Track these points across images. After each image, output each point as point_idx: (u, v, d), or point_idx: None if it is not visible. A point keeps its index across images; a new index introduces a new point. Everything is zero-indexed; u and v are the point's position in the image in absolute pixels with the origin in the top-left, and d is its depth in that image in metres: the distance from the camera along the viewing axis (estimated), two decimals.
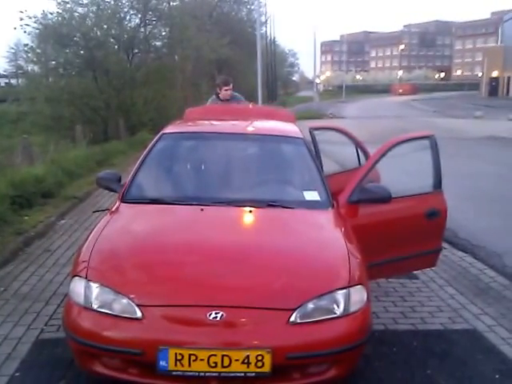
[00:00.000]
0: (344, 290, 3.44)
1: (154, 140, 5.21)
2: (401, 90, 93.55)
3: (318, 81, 77.87)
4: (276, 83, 61.12)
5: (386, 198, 4.56)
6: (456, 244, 7.47)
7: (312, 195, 4.62)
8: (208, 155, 5.25)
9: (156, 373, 3.21)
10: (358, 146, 6.20)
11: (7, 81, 36.86)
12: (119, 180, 4.84)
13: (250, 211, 4.28)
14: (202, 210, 4.24)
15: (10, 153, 12.85)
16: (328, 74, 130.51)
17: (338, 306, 3.39)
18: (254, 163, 5.24)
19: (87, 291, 3.42)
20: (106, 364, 3.38)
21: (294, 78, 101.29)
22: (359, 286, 3.54)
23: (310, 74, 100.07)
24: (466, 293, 5.74)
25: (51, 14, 21.96)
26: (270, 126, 6.08)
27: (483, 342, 4.67)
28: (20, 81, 24.13)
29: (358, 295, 3.50)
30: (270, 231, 4.14)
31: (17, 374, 3.99)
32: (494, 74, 71.31)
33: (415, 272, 6.08)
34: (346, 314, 3.39)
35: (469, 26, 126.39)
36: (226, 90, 7.89)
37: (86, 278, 3.48)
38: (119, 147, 17.52)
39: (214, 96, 8.23)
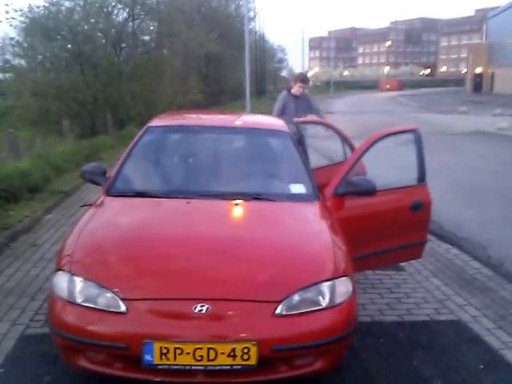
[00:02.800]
0: (329, 282, 3.44)
1: (140, 133, 5.19)
2: (388, 86, 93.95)
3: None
4: (265, 78, 61.11)
5: (370, 191, 4.59)
6: (441, 236, 7.52)
7: (298, 188, 4.64)
8: (194, 148, 5.26)
9: (141, 367, 3.19)
10: (344, 139, 6.22)
11: None
12: (104, 173, 4.80)
13: (237, 204, 4.28)
14: (188, 202, 4.24)
15: None
16: (316, 69, 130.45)
17: (323, 298, 3.40)
18: (240, 157, 5.25)
19: (71, 285, 3.39)
20: (91, 359, 3.35)
21: (282, 74, 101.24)
22: (344, 278, 3.54)
23: (298, 70, 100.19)
24: (451, 284, 5.79)
25: (37, 7, 21.82)
26: (256, 119, 6.07)
27: (468, 332, 4.71)
28: (7, 75, 23.84)
29: (344, 287, 3.51)
30: (256, 224, 4.15)
31: (1, 371, 3.94)
32: (479, 70, 71.90)
33: (402, 264, 6.13)
34: (331, 306, 3.39)
35: (454, 23, 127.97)
36: (301, 86, 8.05)
37: (70, 271, 3.45)
38: (107, 142, 17.41)
39: (285, 91, 8.32)
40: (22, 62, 23.27)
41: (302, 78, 8.19)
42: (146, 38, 27.01)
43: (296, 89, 8.03)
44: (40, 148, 13.22)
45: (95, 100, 22.16)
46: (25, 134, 16.73)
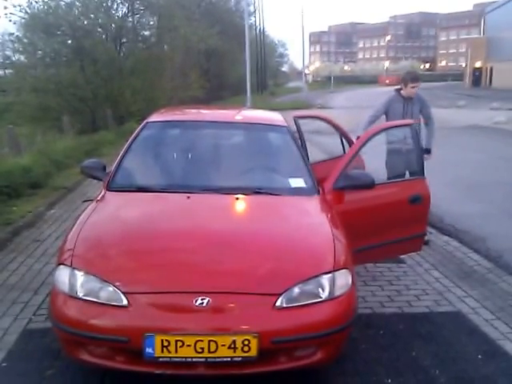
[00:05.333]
0: (329, 275, 3.46)
1: (139, 128, 5.22)
2: (388, 81, 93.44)
3: (307, 71, 77.68)
4: (265, 73, 61.06)
5: (369, 184, 4.62)
6: (441, 229, 7.55)
7: (297, 182, 4.66)
8: (193, 143, 5.28)
9: (143, 360, 3.21)
10: (342, 134, 6.26)
11: None
12: (104, 168, 4.84)
13: (237, 198, 4.29)
14: (188, 197, 4.26)
15: None
16: (317, 64, 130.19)
17: (323, 290, 3.42)
18: (239, 151, 5.26)
19: (72, 279, 3.41)
20: (93, 352, 3.38)
21: (283, 69, 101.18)
22: (344, 270, 3.56)
23: (299, 65, 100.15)
24: (451, 276, 5.83)
25: (36, 2, 21.80)
26: (255, 114, 6.08)
27: (467, 323, 4.75)
28: (7, 71, 23.85)
29: (343, 279, 3.53)
30: (257, 218, 4.17)
31: (4, 365, 3.97)
32: (477, 64, 71.62)
33: (402, 256, 6.16)
34: (331, 298, 3.42)
35: (452, 18, 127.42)
36: (413, 87, 6.80)
37: (71, 266, 3.47)
38: (107, 137, 17.44)
39: (394, 92, 7.04)
40: (22, 58, 23.27)
41: (413, 77, 6.86)
42: (146, 33, 27.03)
43: (408, 90, 6.82)
44: (41, 144, 13.22)
45: (95, 96, 22.15)
46: (25, 130, 16.74)
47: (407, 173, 5.63)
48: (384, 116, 6.98)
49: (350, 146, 5.84)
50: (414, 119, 6.56)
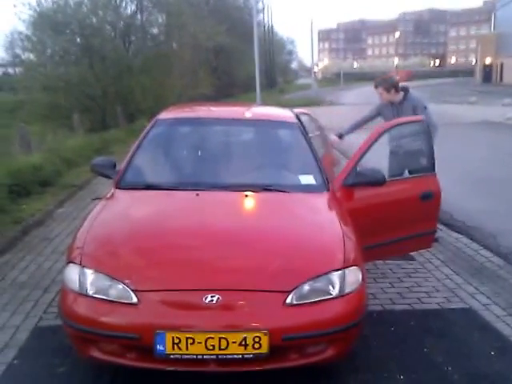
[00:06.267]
0: (339, 272, 3.46)
1: (149, 126, 5.21)
2: (398, 77, 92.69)
3: (316, 69, 77.31)
4: (274, 71, 60.99)
5: (380, 181, 4.60)
6: (451, 225, 7.49)
7: (307, 179, 4.65)
8: (203, 140, 5.27)
9: (154, 357, 3.22)
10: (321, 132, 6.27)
11: (4, 69, 36.74)
12: (114, 166, 4.83)
13: (246, 195, 4.29)
14: (197, 194, 4.25)
15: (7, 142, 12.81)
16: (326, 61, 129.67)
17: (333, 287, 3.41)
18: (249, 148, 5.25)
19: (82, 277, 3.42)
20: (104, 349, 3.39)
21: (292, 66, 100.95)
22: (354, 267, 3.56)
23: (308, 62, 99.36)
24: (462, 273, 5.78)
25: (46, 1, 21.88)
26: (265, 111, 6.07)
27: (479, 320, 4.71)
28: (17, 70, 24.04)
29: (353, 276, 3.52)
30: (266, 215, 4.16)
31: (15, 362, 3.98)
32: (488, 60, 70.92)
33: (412, 253, 6.12)
34: (341, 295, 3.41)
35: (462, 14, 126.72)
36: (381, 93, 6.64)
37: (81, 264, 3.48)
38: (118, 135, 17.47)
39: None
40: (32, 57, 23.37)
41: (375, 84, 6.80)
42: (155, 30, 27.07)
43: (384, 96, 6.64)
44: (51, 142, 13.25)
45: (105, 94, 22.22)
46: (36, 128, 16.79)
47: (406, 172, 5.55)
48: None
49: (324, 145, 5.84)
50: None
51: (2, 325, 4.58)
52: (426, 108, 6.45)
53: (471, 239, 6.93)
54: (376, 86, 6.71)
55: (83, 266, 3.46)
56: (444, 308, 4.94)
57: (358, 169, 4.75)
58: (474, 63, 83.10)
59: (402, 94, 6.58)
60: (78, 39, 22.51)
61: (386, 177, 4.71)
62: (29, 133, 12.35)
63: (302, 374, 3.74)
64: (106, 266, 3.47)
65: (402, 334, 4.44)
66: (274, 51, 61.05)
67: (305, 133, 5.21)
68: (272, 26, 60.46)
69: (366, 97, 45.76)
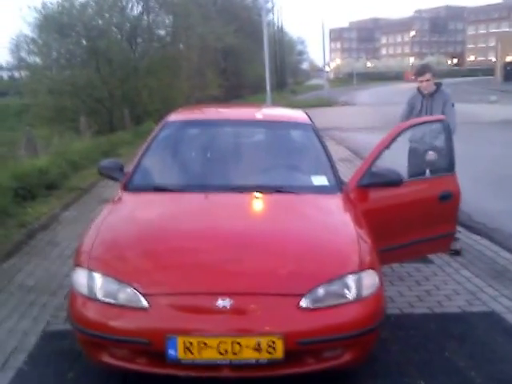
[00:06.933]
0: (355, 275, 3.37)
1: (158, 128, 5.15)
2: (414, 77, 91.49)
3: (327, 69, 77.05)
4: (285, 71, 60.94)
5: (397, 182, 4.48)
6: (471, 227, 7.31)
7: (320, 180, 4.57)
8: (213, 142, 5.22)
9: (165, 362, 3.15)
10: None
11: (10, 73, 36.87)
12: (121, 169, 4.77)
13: (258, 197, 4.23)
14: (206, 196, 4.21)
15: (13, 145, 12.79)
16: (338, 61, 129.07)
17: (349, 291, 3.33)
18: (260, 149, 5.20)
19: (90, 281, 3.35)
20: (114, 354, 3.33)
21: (303, 67, 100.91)
22: (370, 271, 3.46)
23: (319, 62, 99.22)
24: (483, 275, 5.61)
25: (51, 3, 21.91)
26: (276, 112, 6.03)
27: (502, 323, 4.57)
28: (23, 73, 24.10)
29: (370, 279, 3.43)
30: (279, 217, 4.07)
31: (24, 367, 3.93)
32: (509, 58, 69.36)
33: (430, 256, 5.97)
34: (358, 299, 3.32)
35: (481, 11, 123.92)
36: (421, 81, 6.43)
37: (89, 267, 3.41)
38: (125, 138, 17.46)
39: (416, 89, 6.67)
40: (37, 60, 23.39)
41: (417, 71, 6.61)
42: (162, 32, 27.06)
43: (420, 85, 6.49)
44: (57, 145, 13.25)
45: (112, 96, 22.21)
46: (42, 131, 16.78)
47: (427, 172, 5.42)
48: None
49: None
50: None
51: (11, 329, 4.52)
52: (453, 106, 6.34)
53: (492, 241, 6.75)
54: (422, 73, 6.46)
55: (91, 270, 3.39)
56: (465, 311, 4.80)
57: (373, 169, 4.62)
58: (493, 61, 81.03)
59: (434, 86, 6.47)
60: (84, 41, 22.51)
61: (404, 177, 4.59)
62: (35, 136, 12.33)
63: (318, 380, 3.61)
64: (115, 269, 3.40)
65: (422, 338, 4.31)
66: (284, 52, 61.00)
67: (317, 133, 5.12)
68: (282, 26, 60.44)
69: (381, 96, 45.89)
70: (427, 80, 6.41)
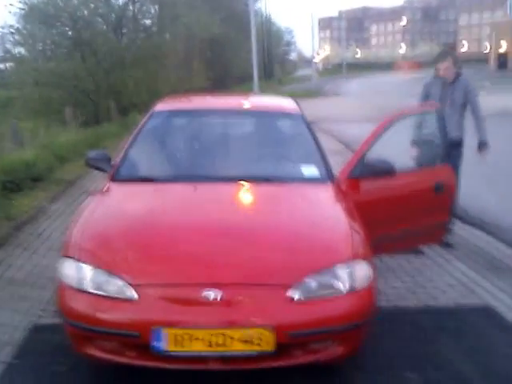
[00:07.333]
0: (346, 266, 3.33)
1: (145, 118, 5.08)
2: (405, 67, 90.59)
3: (316, 59, 76.47)
4: (272, 62, 60.69)
5: (389, 172, 4.45)
6: (466, 219, 7.24)
7: (311, 170, 4.52)
8: (201, 132, 5.19)
9: (154, 354, 3.12)
10: None
11: None
12: (109, 160, 4.71)
13: (247, 187, 4.21)
14: (195, 187, 4.18)
15: None
16: (327, 51, 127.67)
17: (340, 283, 3.28)
18: (249, 139, 5.15)
19: (79, 273, 3.31)
20: (103, 347, 3.29)
21: (291, 57, 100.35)
22: (362, 262, 3.42)
23: (308, 53, 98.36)
24: (478, 268, 5.57)
25: None
26: (265, 101, 6.03)
27: (497, 317, 4.53)
28: (8, 65, 23.87)
29: (362, 271, 3.39)
30: (268, 207, 4.04)
31: (15, 361, 3.89)
32: (503, 49, 68.65)
33: (423, 248, 5.93)
34: (349, 291, 3.28)
35: (474, 0, 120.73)
36: (441, 67, 6.08)
37: (77, 259, 3.36)
38: (111, 130, 17.38)
39: (432, 75, 6.36)
40: (23, 51, 23.16)
41: (437, 56, 6.28)
42: (148, 22, 26.85)
43: (439, 72, 6.13)
44: (44, 138, 13.16)
45: (98, 87, 22.01)
46: (28, 124, 16.64)
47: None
48: None
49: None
50: (457, 107, 6.06)
51: (1, 323, 4.47)
52: (476, 96, 6.12)
53: (487, 233, 6.72)
54: (442, 60, 6.11)
55: (80, 261, 3.35)
56: (459, 305, 4.76)
57: (365, 160, 4.58)
58: (487, 50, 79.34)
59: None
60: (70, 32, 22.30)
61: (396, 168, 4.52)
62: (21, 129, 12.23)
63: (307, 373, 3.60)
64: (104, 260, 3.35)
65: (414, 331, 4.28)
66: (272, 42, 60.72)
67: (307, 123, 5.07)
68: (269, 16, 60.13)
69: (371, 86, 45.54)
70: (446, 68, 6.09)
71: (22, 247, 6.42)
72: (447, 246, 6.03)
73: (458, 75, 6.15)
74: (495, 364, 3.83)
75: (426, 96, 6.33)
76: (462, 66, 6.21)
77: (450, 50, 6.40)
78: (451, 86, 6.10)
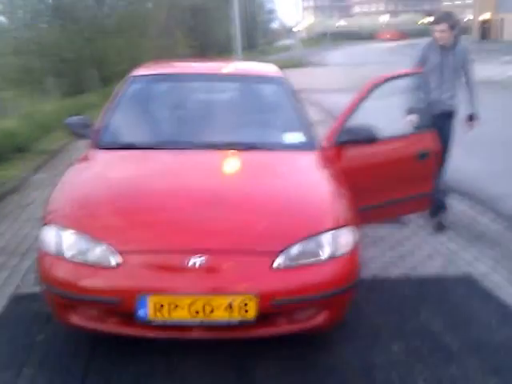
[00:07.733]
0: (330, 233, 3.30)
1: (123, 83, 4.98)
2: (388, 36, 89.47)
3: (299, 28, 75.34)
4: (255, 31, 59.99)
5: (371, 139, 4.42)
6: (451, 188, 7.03)
7: (295, 137, 4.49)
8: (183, 98, 5.11)
9: (135, 322, 3.09)
10: None
11: None
12: (90, 126, 4.61)
13: (231, 154, 4.18)
14: (178, 153, 4.15)
15: None
16: (310, 19, 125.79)
17: (324, 249, 3.26)
18: (233, 105, 5.09)
19: (60, 239, 3.24)
20: (84, 315, 3.25)
21: (274, 26, 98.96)
22: (346, 229, 3.39)
23: (290, 22, 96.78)
24: (460, 239, 5.58)
25: None
26: (248, 66, 6.03)
27: (479, 288, 4.54)
28: None
29: (346, 238, 3.36)
30: (252, 174, 4.02)
31: None
32: (486, 16, 67.93)
33: (405, 218, 5.93)
34: (333, 257, 3.26)
35: None
36: (436, 31, 5.61)
37: (59, 225, 3.30)
38: (93, 99, 17.13)
39: (431, 39, 5.80)
40: (3, 19, 22.76)
41: (434, 19, 5.80)
42: None
43: (434, 35, 5.68)
44: (26, 107, 13.01)
45: (79, 56, 21.63)
46: (9, 94, 16.39)
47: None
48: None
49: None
50: (454, 74, 5.72)
51: None
52: (472, 66, 5.85)
53: (472, 202, 6.73)
54: (437, 22, 5.62)
55: (62, 227, 3.28)
56: (441, 275, 4.76)
57: (346, 127, 4.55)
58: (468, 19, 76.34)
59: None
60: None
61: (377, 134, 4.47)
62: (2, 99, 12.04)
63: (290, 344, 3.57)
64: (86, 226, 3.28)
65: (397, 302, 4.28)
66: (255, 10, 59.89)
67: (291, 88, 5.02)
68: None
69: (355, 55, 45.21)
70: (442, 31, 5.60)
71: (2, 216, 6.38)
72: (440, 226, 5.86)
73: (456, 41, 5.74)
74: (476, 334, 3.83)
75: (422, 60, 5.77)
76: (461, 31, 5.81)
77: (448, 12, 5.93)
78: (451, 53, 5.69)
